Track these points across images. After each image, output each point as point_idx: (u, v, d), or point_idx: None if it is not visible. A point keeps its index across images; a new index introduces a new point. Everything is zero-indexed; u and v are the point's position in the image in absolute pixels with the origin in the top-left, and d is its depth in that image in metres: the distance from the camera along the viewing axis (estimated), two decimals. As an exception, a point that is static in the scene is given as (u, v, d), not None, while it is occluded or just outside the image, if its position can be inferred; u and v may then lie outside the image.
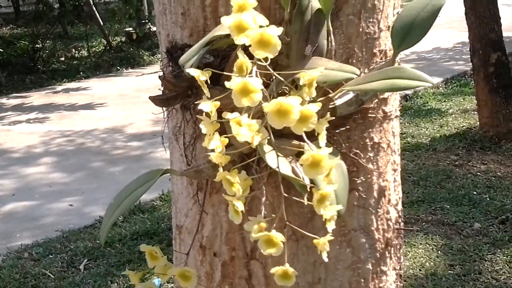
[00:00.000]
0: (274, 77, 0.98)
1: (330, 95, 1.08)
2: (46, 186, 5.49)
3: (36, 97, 8.84)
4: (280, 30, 0.90)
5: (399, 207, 1.31)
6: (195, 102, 0.98)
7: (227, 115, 0.96)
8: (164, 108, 1.27)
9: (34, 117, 7.79)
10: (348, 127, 1.16)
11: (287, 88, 1.00)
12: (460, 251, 3.93)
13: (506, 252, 3.88)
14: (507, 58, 5.93)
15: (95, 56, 11.28)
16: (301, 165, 0.90)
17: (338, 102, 1.10)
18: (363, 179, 1.21)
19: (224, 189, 1.22)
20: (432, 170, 5.22)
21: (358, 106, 1.14)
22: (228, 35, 1.00)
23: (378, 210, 1.25)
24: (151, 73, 9.70)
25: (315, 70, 0.91)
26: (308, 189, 1.04)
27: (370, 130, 1.20)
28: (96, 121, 7.47)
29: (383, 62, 1.18)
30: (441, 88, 8.14)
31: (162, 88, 1.19)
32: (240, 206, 0.95)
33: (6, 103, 8.61)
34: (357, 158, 1.19)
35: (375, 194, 1.23)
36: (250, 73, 0.94)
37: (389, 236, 1.27)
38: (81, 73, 10.22)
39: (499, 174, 5.13)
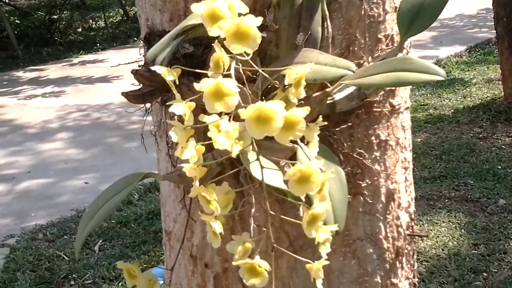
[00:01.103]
0: (259, 72, 0.84)
1: (328, 89, 0.94)
2: (61, 163, 5.41)
3: (53, 70, 8.73)
4: (259, 20, 0.75)
5: (411, 209, 1.17)
6: (166, 104, 0.84)
7: (204, 118, 0.83)
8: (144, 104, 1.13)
9: (50, 91, 7.69)
10: (350, 124, 1.02)
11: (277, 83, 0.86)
12: (484, 229, 3.78)
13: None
14: (532, 25, 5.71)
15: (112, 27, 11.12)
16: (286, 181, 0.77)
17: (338, 96, 0.96)
18: (369, 182, 1.07)
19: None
20: (455, 144, 5.04)
21: (361, 100, 1.00)
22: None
23: (387, 216, 1.11)
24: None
25: (303, 67, 0.77)
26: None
27: (375, 126, 1.06)
28: (113, 95, 7.35)
29: (389, 50, 1.03)
30: (464, 57, 7.90)
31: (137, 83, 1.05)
32: (218, 227, 0.81)
33: (23, 77, 8.51)
34: (361, 158, 1.05)
35: (383, 198, 1.09)
36: (228, 69, 0.80)
37: (400, 245, 1.13)
38: (98, 44, 10.08)
39: (528, 147, 4.96)
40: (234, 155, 0.79)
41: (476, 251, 3.58)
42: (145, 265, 3.62)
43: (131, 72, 1.00)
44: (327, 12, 0.93)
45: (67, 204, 4.58)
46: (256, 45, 0.76)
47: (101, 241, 4.01)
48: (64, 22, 10.75)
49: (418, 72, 0.89)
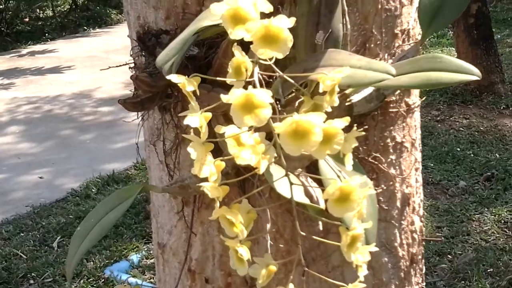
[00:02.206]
0: (276, 75, 0.75)
1: (346, 91, 0.86)
2: (14, 157, 5.22)
3: (0, 62, 8.45)
4: (291, 21, 0.67)
5: (421, 211, 1.10)
6: (180, 115, 0.75)
7: (221, 129, 0.74)
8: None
9: (-1, 83, 7.45)
10: (366, 126, 0.94)
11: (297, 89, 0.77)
12: (446, 212, 3.78)
13: (493, 211, 3.74)
14: (488, 8, 5.72)
15: (60, 16, 10.83)
16: (325, 200, 0.68)
17: (355, 98, 0.88)
18: (384, 188, 1.00)
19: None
20: (414, 127, 5.02)
21: (380, 102, 0.92)
22: (217, 24, 0.77)
23: (402, 222, 1.04)
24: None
25: (338, 72, 0.69)
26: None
27: (391, 128, 0.98)
28: (64, 86, 7.15)
29: (408, 46, 0.95)
30: (418, 40, 7.91)
31: (134, 89, 0.96)
32: (245, 253, 0.72)
33: (-30, 70, 8.23)
34: (377, 163, 0.97)
35: (398, 203, 1.02)
36: (251, 76, 0.72)
37: (415, 251, 1.06)
38: (47, 34, 9.80)
39: (481, 128, 4.98)
40: (261, 172, 0.70)
41: (440, 233, 3.57)
42: (107, 261, 3.52)
43: (131, 78, 0.90)
44: (346, 7, 0.85)
45: (22, 200, 4.42)
46: (288, 49, 0.68)
47: (59, 237, 3.87)
48: (10, 12, 10.40)
49: (450, 71, 0.82)
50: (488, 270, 3.19)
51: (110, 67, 1.12)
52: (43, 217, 4.12)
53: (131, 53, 1.04)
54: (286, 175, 0.73)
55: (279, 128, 0.65)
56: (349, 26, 0.85)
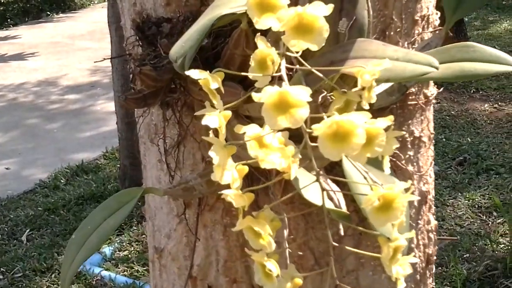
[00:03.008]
0: (296, 67, 0.67)
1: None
2: (-22, 148, 5.07)
3: (-39, 49, 8.23)
4: (329, 8, 0.59)
5: (433, 209, 1.04)
6: (196, 113, 0.67)
7: (242, 129, 0.66)
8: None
9: (-40, 72, 7.24)
10: (385, 121, 0.86)
11: (324, 85, 0.70)
12: (421, 197, 3.74)
13: (467, 196, 3.72)
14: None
15: (22, 1, 10.56)
16: (365, 210, 0.61)
17: (376, 91, 0.80)
18: (402, 186, 0.93)
19: (220, 206, 0.93)
20: (387, 112, 4.99)
21: (401, 94, 0.85)
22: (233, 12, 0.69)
23: (419, 222, 0.97)
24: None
25: (377, 65, 0.61)
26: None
27: (409, 122, 0.91)
28: (28, 73, 6.97)
29: (428, 34, 0.88)
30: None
31: (132, 84, 0.87)
32: (274, 268, 0.65)
33: None
34: (395, 159, 0.91)
35: (415, 202, 0.96)
36: (278, 70, 0.64)
37: (430, 252, 1.00)
38: (9, 20, 9.55)
39: (452, 113, 4.96)
40: (292, 177, 0.63)
41: (415, 219, 3.54)
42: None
43: (132, 72, 0.82)
44: (371, -8, 0.78)
45: (-12, 192, 4.29)
46: (323, 40, 0.60)
47: (28, 230, 3.76)
48: (-32, -3, 10.14)
49: (485, 61, 0.75)
50: (464, 256, 3.17)
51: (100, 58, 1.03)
52: (11, 210, 4.00)
53: (125, 43, 0.95)
54: (317, 180, 0.66)
55: (318, 130, 0.57)
56: (371, 13, 0.78)
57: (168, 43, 0.81)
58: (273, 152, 0.63)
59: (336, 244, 0.67)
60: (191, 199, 0.93)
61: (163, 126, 0.94)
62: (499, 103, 5.09)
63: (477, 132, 4.62)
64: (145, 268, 3.25)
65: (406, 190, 0.62)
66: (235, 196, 0.65)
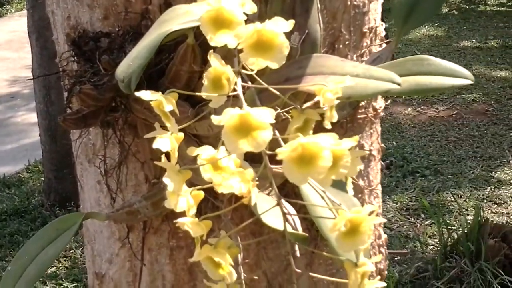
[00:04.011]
0: (249, 85, 0.64)
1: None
2: None
3: None
4: (290, 24, 0.56)
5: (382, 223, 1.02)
6: (146, 136, 0.63)
7: (195, 151, 0.62)
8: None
9: None
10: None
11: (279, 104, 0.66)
12: (349, 201, 3.77)
13: (395, 199, 3.77)
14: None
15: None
16: (329, 235, 0.58)
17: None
18: (354, 201, 0.90)
19: (165, 228, 0.89)
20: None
21: (352, 108, 0.83)
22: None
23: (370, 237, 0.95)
24: None
25: (339, 82, 0.58)
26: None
27: (359, 135, 0.89)
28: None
29: (377, 46, 0.86)
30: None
31: (67, 103, 0.82)
32: (234, 299, 0.61)
33: None
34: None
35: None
36: (234, 89, 0.60)
37: (382, 267, 0.98)
38: None
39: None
40: (253, 202, 0.59)
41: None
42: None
43: (70, 92, 0.77)
44: (319, 4, 0.75)
45: None
46: (284, 58, 0.57)
47: None
48: None
49: (440, 75, 0.73)
50: (395, 258, 3.20)
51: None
52: None
53: (59, 59, 0.90)
54: (279, 204, 0.62)
55: (283, 153, 0.54)
56: (322, 26, 0.75)
57: (109, 59, 0.76)
58: (232, 176, 0.59)
59: (299, 271, 0.64)
60: (135, 223, 0.88)
61: (103, 146, 0.88)
62: (422, 107, 5.19)
63: (401, 136, 4.70)
64: (74, 284, 3.15)
65: (371, 212, 0.60)
66: (192, 224, 0.61)
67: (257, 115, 0.53)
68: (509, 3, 8.59)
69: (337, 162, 0.56)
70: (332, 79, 0.61)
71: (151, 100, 0.60)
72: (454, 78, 0.73)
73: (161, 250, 0.90)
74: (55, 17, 0.91)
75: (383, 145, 0.92)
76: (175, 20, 0.66)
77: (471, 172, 4.11)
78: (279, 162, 0.61)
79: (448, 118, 4.99)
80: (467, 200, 3.76)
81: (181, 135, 0.63)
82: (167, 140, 0.61)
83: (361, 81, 0.64)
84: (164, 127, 0.81)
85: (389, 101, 0.99)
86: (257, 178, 0.62)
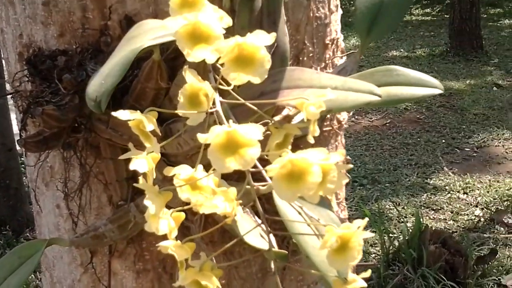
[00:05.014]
0: (221, 100, 0.62)
1: (290, 113, 0.75)
2: None
3: None
4: (272, 37, 0.54)
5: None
6: (121, 157, 0.60)
7: (172, 171, 0.60)
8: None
9: None
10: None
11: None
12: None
13: (336, 208, 3.77)
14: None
15: None
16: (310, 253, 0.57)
17: (296, 119, 0.77)
18: (322, 215, 0.89)
19: (131, 251, 0.86)
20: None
21: (321, 121, 0.82)
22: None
23: (338, 250, 0.94)
24: None
25: (320, 96, 0.57)
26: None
27: (325, 148, 0.88)
28: None
29: (342, 58, 0.86)
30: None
31: (21, 126, 0.78)
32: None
33: None
34: (313, 188, 0.87)
35: (335, 231, 0.92)
36: (213, 105, 0.59)
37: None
38: None
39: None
40: (238, 221, 0.57)
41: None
42: None
43: (32, 113, 0.73)
44: (285, 17, 0.74)
45: None
46: (265, 72, 0.55)
47: None
48: None
49: (410, 85, 0.73)
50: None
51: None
52: None
53: (11, 80, 0.86)
54: (263, 222, 0.61)
55: (272, 171, 0.52)
56: (288, 38, 0.74)
57: (71, 78, 0.73)
58: (215, 195, 0.57)
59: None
60: (100, 247, 0.85)
61: (62, 168, 0.85)
62: (356, 117, 5.26)
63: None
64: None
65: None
66: (175, 247, 0.58)
67: (245, 132, 0.52)
68: (433, 13, 8.82)
69: (324, 177, 0.55)
70: (311, 92, 0.59)
71: (129, 120, 0.57)
72: (424, 88, 0.73)
73: (127, 273, 0.87)
74: (4, 36, 0.87)
75: (348, 157, 0.91)
76: (144, 35, 0.64)
77: (407, 179, 4.18)
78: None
79: (382, 127, 5.07)
80: (405, 207, 3.81)
81: (157, 155, 0.60)
82: (143, 161, 0.59)
83: (341, 94, 0.63)
84: (125, 148, 0.78)
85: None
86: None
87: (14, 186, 3.62)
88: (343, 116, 0.91)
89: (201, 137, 0.52)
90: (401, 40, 7.60)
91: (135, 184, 0.59)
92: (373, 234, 0.60)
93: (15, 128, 3.74)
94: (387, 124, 5.11)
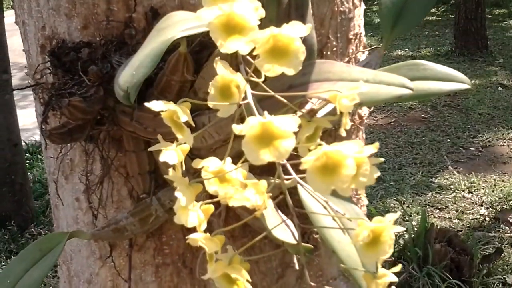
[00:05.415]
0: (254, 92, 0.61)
1: (315, 107, 0.74)
2: None
3: None
4: (307, 28, 0.54)
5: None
6: (150, 149, 0.60)
7: (201, 163, 0.60)
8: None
9: None
10: (325, 144, 0.82)
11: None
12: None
13: (340, 206, 3.77)
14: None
15: None
16: (355, 246, 0.56)
17: (320, 113, 0.76)
18: (342, 211, 0.89)
19: (150, 245, 0.85)
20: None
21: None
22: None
23: (357, 246, 0.94)
24: None
25: (353, 88, 0.57)
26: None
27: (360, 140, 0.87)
28: None
29: (364, 53, 0.86)
30: None
31: (43, 117, 0.78)
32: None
33: None
34: (334, 183, 0.86)
35: (354, 226, 0.92)
36: (244, 98, 0.58)
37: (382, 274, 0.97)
38: None
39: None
40: (268, 214, 0.57)
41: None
42: None
43: (59, 105, 0.73)
44: (311, 10, 0.73)
45: None
46: (300, 64, 0.55)
47: None
48: None
49: (438, 80, 0.73)
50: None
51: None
52: None
53: (33, 72, 0.86)
54: (292, 216, 0.60)
55: (308, 163, 0.52)
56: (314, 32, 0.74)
57: (97, 70, 0.73)
58: (246, 188, 0.57)
59: (313, 284, 0.62)
60: (121, 241, 0.85)
61: (83, 161, 0.85)
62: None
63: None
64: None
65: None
66: (205, 240, 0.58)
67: (280, 123, 0.51)
68: (438, 13, 8.81)
69: (357, 171, 0.55)
70: (342, 85, 0.59)
71: (162, 111, 0.57)
72: (451, 83, 0.73)
73: (146, 268, 0.87)
74: (26, 28, 0.87)
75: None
76: (175, 27, 0.64)
77: (412, 178, 4.18)
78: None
79: (386, 126, 5.07)
80: (410, 206, 3.81)
81: (187, 147, 0.60)
82: (173, 153, 0.58)
83: (372, 87, 0.63)
84: (149, 140, 0.78)
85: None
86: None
87: (19, 182, 3.61)
88: (364, 111, 0.91)
89: (236, 128, 0.52)
90: (406, 39, 7.58)
91: (165, 176, 0.59)
92: (404, 229, 0.60)
93: (21, 124, 3.74)
94: (392, 123, 5.10)
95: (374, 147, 0.56)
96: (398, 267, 0.60)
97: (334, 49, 0.83)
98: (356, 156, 0.54)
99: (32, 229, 3.60)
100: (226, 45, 0.55)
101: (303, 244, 0.68)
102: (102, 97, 0.73)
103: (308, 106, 0.77)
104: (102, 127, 0.77)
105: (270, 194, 0.58)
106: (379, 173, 0.59)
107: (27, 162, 4.22)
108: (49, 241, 0.78)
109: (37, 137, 4.70)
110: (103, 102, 0.73)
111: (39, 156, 4.54)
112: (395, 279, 0.60)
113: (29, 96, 5.20)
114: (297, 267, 0.77)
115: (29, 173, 4.01)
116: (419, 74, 0.73)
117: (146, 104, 0.56)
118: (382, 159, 0.64)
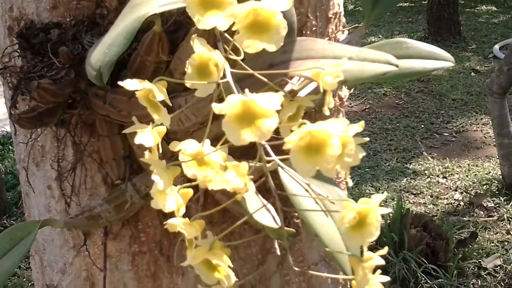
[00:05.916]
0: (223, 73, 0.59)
1: (295, 88, 0.72)
2: None
3: None
4: (289, 2, 0.52)
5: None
6: (125, 131, 0.57)
7: (178, 146, 0.57)
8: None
9: None
10: (305, 126, 0.80)
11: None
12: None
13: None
14: None
15: None
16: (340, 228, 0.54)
17: (301, 94, 0.74)
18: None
19: (126, 233, 0.83)
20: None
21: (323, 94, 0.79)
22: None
23: (339, 230, 0.92)
24: None
25: (336, 65, 0.54)
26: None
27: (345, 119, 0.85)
28: None
29: (343, 33, 0.83)
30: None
31: (12, 101, 0.75)
32: (236, 304, 0.56)
33: None
34: (314, 166, 0.84)
35: (338, 208, 0.90)
36: (223, 77, 0.56)
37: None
38: None
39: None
40: (249, 198, 0.55)
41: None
42: None
43: (28, 87, 0.69)
44: (290, -13, 0.70)
45: None
46: (281, 39, 0.52)
47: None
48: None
49: (422, 58, 0.71)
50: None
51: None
52: None
53: (1, 56, 0.82)
54: (275, 199, 0.58)
55: (291, 142, 0.49)
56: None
57: (68, 51, 0.69)
58: (226, 170, 0.54)
59: (297, 269, 0.60)
60: (95, 229, 0.82)
61: (55, 147, 0.81)
62: (335, 102, 5.24)
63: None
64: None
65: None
66: (184, 225, 0.55)
67: (262, 101, 0.49)
68: (410, -1, 8.82)
69: (342, 150, 0.52)
70: (324, 63, 0.57)
71: (137, 90, 0.54)
72: (436, 61, 0.71)
73: (122, 256, 0.84)
74: (-8, 9, 0.83)
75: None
76: (149, 3, 0.61)
77: (387, 164, 4.18)
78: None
79: (361, 112, 5.07)
80: (385, 191, 3.80)
81: (163, 128, 0.57)
82: (149, 135, 0.56)
83: (356, 64, 0.60)
84: (123, 124, 0.75)
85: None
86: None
87: (-10, 173, 3.56)
88: (344, 92, 0.89)
89: (216, 108, 0.49)
90: (379, 26, 7.58)
91: (141, 159, 0.56)
92: (390, 210, 0.58)
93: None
94: (366, 110, 5.10)
95: (360, 126, 0.54)
96: (385, 250, 0.58)
97: (314, 28, 0.81)
98: (341, 135, 0.52)
99: (5, 221, 3.55)
100: (203, 21, 0.53)
101: (287, 228, 0.66)
102: (73, 80, 0.70)
103: (288, 87, 0.75)
104: (73, 111, 0.74)
105: (252, 176, 0.56)
106: (364, 153, 0.57)
107: (-2, 154, 4.16)
108: (20, 230, 0.75)
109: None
110: (74, 84, 0.70)
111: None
112: (381, 262, 0.58)
113: (-1, 86, 5.12)
114: (278, 252, 0.75)
115: (0, 165, 3.95)
116: (402, 52, 0.71)
117: (120, 83, 0.53)
118: (367, 139, 0.62)
